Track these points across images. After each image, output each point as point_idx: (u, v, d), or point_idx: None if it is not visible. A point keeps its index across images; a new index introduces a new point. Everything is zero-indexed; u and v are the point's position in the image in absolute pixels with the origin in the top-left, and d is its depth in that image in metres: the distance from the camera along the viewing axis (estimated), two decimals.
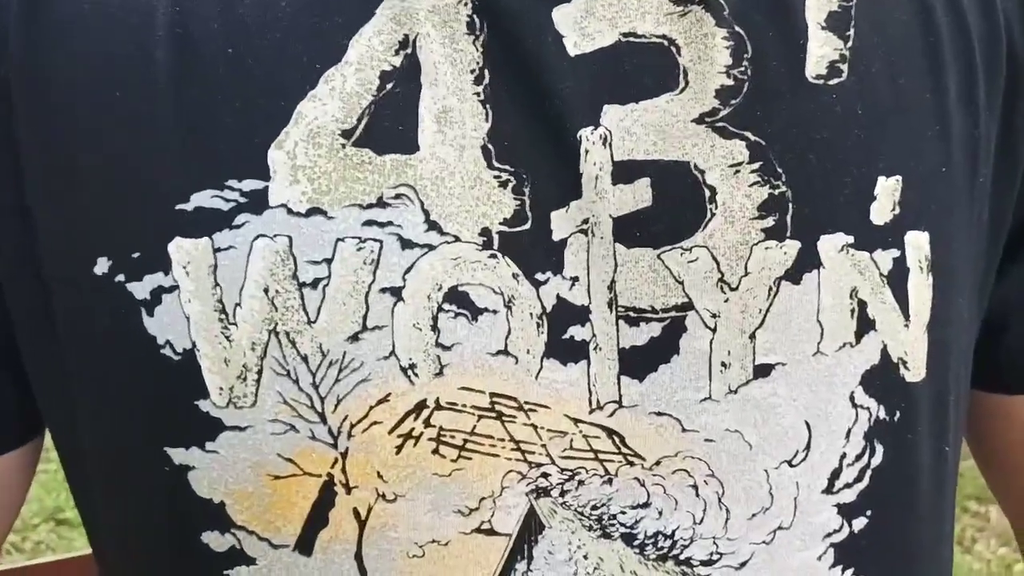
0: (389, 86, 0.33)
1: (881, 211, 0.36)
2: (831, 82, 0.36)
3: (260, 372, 0.32)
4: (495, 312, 0.33)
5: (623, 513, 0.34)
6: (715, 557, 0.35)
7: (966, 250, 0.39)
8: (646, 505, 0.34)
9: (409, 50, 0.33)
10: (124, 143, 0.33)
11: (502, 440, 0.33)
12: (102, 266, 0.33)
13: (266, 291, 0.32)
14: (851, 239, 0.35)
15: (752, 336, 0.35)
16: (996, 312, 0.42)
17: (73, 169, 0.33)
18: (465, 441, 0.33)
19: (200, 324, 0.32)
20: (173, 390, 0.33)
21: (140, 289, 0.33)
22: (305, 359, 0.32)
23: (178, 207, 0.32)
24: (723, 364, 0.34)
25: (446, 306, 0.33)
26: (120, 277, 0.33)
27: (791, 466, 0.35)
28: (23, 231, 0.34)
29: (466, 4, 0.33)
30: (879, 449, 0.37)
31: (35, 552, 1.96)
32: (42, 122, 0.33)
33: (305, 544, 0.33)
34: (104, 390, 0.34)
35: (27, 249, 0.34)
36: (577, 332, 0.33)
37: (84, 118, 0.33)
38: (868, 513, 0.37)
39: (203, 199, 0.32)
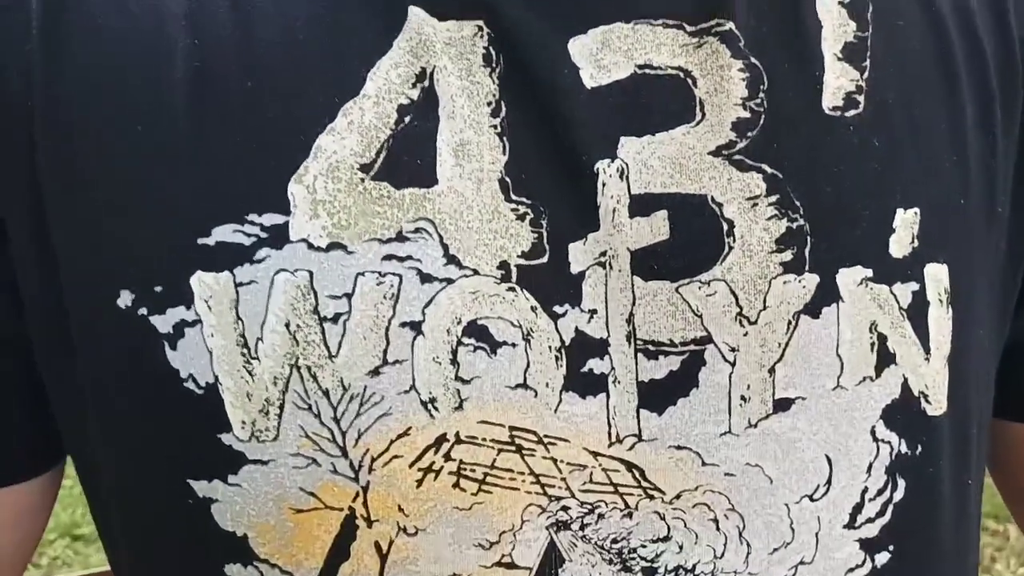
0: (407, 119, 0.33)
1: (900, 244, 0.36)
2: (848, 114, 0.36)
3: (282, 406, 0.33)
4: (514, 345, 0.33)
5: (643, 547, 0.34)
6: None
7: (985, 281, 0.39)
8: (666, 539, 0.34)
9: (426, 83, 0.33)
10: (145, 178, 0.33)
11: (522, 474, 0.33)
12: (125, 299, 0.33)
13: (287, 326, 0.32)
14: (870, 272, 0.35)
15: (771, 370, 0.34)
16: (1016, 341, 0.41)
17: (93, 202, 0.33)
18: (485, 475, 0.33)
19: (222, 358, 0.33)
20: (196, 423, 0.33)
21: (163, 323, 0.33)
22: (326, 393, 0.33)
23: (199, 241, 0.33)
24: (743, 398, 0.34)
25: (465, 340, 0.33)
26: (143, 310, 0.33)
27: (812, 500, 0.35)
28: (45, 263, 0.34)
29: (482, 36, 0.33)
30: (901, 483, 0.36)
31: (51, 568, 1.97)
32: (64, 157, 0.33)
33: None
34: (126, 421, 0.35)
35: (49, 281, 0.34)
36: (596, 365, 0.34)
37: (105, 153, 0.33)
38: (891, 548, 0.37)
39: (224, 233, 0.33)
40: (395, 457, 0.33)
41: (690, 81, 0.35)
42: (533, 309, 0.33)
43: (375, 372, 0.32)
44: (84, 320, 0.34)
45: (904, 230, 0.36)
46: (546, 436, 0.33)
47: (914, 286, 0.36)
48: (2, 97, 0.34)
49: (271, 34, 0.33)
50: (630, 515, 0.34)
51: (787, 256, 0.35)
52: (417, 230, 0.33)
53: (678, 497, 0.34)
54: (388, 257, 0.33)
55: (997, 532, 2.01)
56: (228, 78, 0.33)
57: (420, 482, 0.33)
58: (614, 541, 0.34)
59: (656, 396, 0.34)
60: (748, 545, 0.35)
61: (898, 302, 0.36)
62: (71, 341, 0.34)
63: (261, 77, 0.33)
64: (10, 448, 0.38)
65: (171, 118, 0.33)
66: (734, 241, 0.34)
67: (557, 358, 0.33)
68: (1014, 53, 0.39)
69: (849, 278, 0.35)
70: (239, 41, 0.33)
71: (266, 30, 0.33)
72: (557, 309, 0.33)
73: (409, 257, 0.33)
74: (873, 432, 0.36)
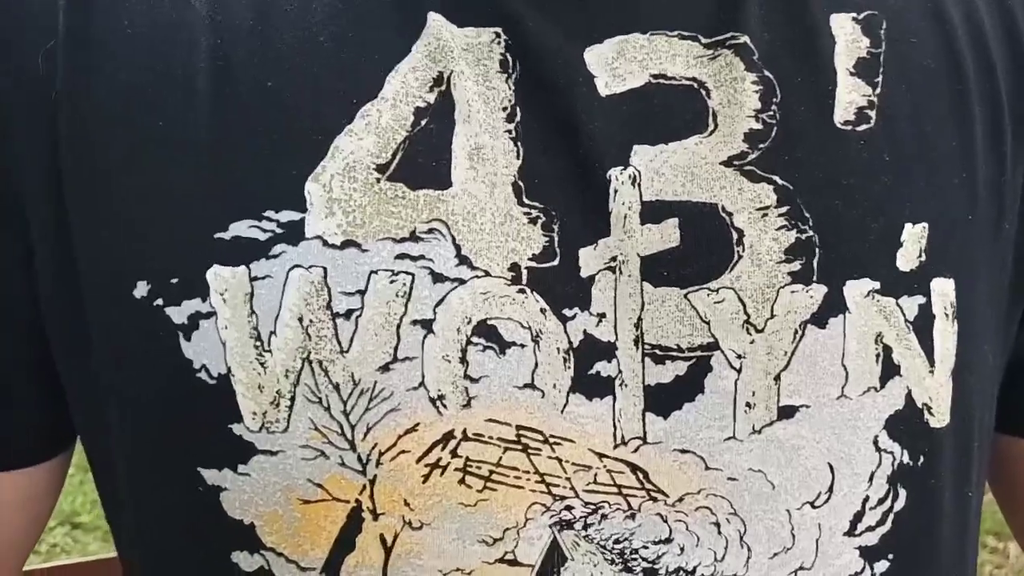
0: (424, 122, 0.34)
1: (907, 257, 0.36)
2: (859, 128, 0.36)
3: (293, 399, 0.33)
4: (523, 346, 0.34)
5: (645, 548, 0.35)
6: None
7: (991, 296, 0.39)
8: (668, 541, 0.35)
9: (443, 87, 0.34)
10: (165, 171, 0.33)
11: (527, 472, 0.34)
12: (141, 289, 0.34)
13: (300, 320, 0.33)
14: (877, 285, 0.36)
15: (777, 378, 0.35)
16: (1020, 356, 0.42)
17: (115, 194, 0.34)
18: (491, 472, 0.34)
19: (235, 350, 0.33)
20: (208, 413, 0.34)
21: (178, 314, 0.33)
22: (337, 387, 0.33)
23: (217, 235, 0.33)
24: (748, 404, 0.35)
25: (475, 339, 0.33)
26: (159, 301, 0.34)
27: (813, 507, 0.35)
28: (63, 251, 0.35)
29: (499, 43, 0.34)
30: (902, 493, 0.37)
31: (50, 555, 1.98)
32: (85, 149, 0.34)
33: (331, 568, 0.34)
34: (139, 409, 0.35)
35: (66, 269, 0.35)
36: (603, 368, 0.34)
37: (126, 147, 0.34)
38: (890, 556, 0.37)
39: (241, 228, 0.33)
40: (402, 452, 0.33)
41: (704, 92, 0.35)
42: (542, 311, 0.34)
43: (385, 368, 0.33)
44: (100, 309, 0.35)
45: (912, 244, 0.36)
46: (552, 436, 0.34)
47: (920, 299, 0.36)
48: (27, 89, 0.34)
49: (292, 36, 0.34)
50: (633, 516, 0.34)
51: (795, 266, 0.35)
52: (430, 231, 0.33)
53: (681, 500, 0.35)
54: (401, 256, 0.33)
55: (997, 550, 2.01)
56: (249, 77, 0.33)
57: (426, 477, 0.33)
58: (616, 541, 0.35)
59: (662, 400, 0.34)
60: (749, 549, 0.35)
61: (904, 315, 0.36)
62: (87, 329, 0.35)
63: (282, 77, 0.33)
64: (21, 432, 0.39)
65: (192, 114, 0.33)
66: (743, 250, 0.35)
67: (565, 360, 0.34)
68: None
69: (856, 290, 0.36)
70: (261, 41, 0.34)
71: (287, 31, 0.34)
72: (566, 312, 0.34)
73: (422, 256, 0.33)
74: (876, 442, 0.36)
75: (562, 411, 0.34)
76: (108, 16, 0.34)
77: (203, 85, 0.33)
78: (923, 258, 0.37)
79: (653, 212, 0.34)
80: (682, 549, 0.35)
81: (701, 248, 0.34)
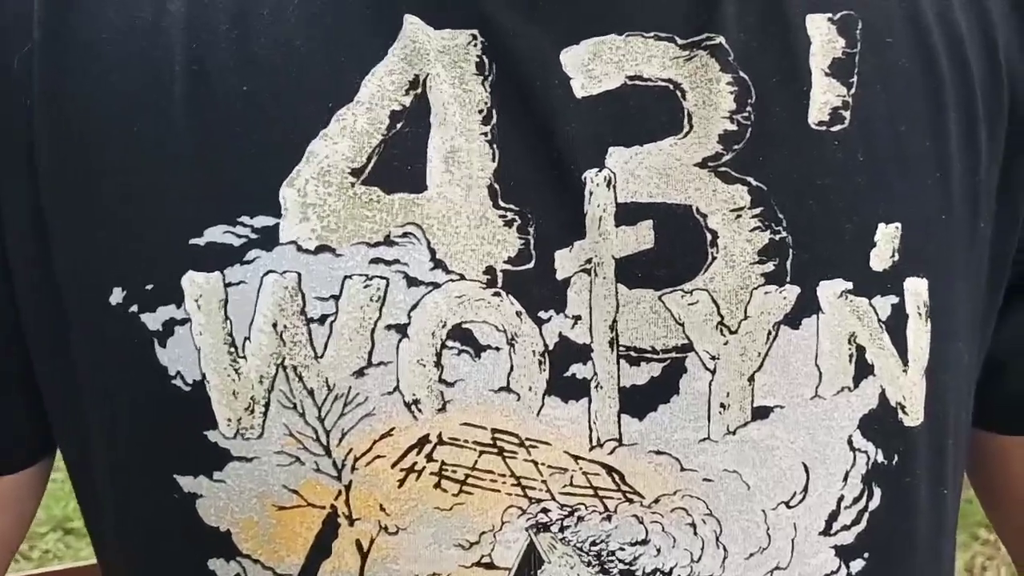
0: (399, 125, 0.34)
1: (880, 257, 0.37)
2: (833, 128, 0.36)
3: (267, 405, 0.33)
4: (498, 349, 0.34)
5: (622, 550, 0.35)
6: None
7: (966, 295, 0.39)
8: (644, 542, 0.35)
9: (419, 90, 0.34)
10: (140, 177, 0.33)
11: (503, 475, 0.34)
12: (117, 296, 0.34)
13: (275, 326, 0.33)
14: (850, 285, 0.36)
15: (751, 379, 0.35)
16: (997, 354, 0.42)
17: (90, 200, 0.34)
18: (466, 476, 0.34)
19: (210, 356, 0.33)
20: (183, 420, 0.34)
21: (153, 320, 0.33)
22: (311, 393, 0.33)
23: (191, 241, 0.33)
24: (722, 405, 0.35)
25: (450, 343, 0.33)
26: (134, 308, 0.33)
27: (789, 507, 0.36)
28: (41, 257, 0.35)
29: (475, 45, 0.34)
30: (877, 492, 0.37)
31: (43, 561, 1.97)
32: (61, 154, 0.34)
33: (308, 574, 0.34)
34: (116, 416, 0.35)
35: (44, 275, 0.35)
36: (579, 370, 0.34)
37: (102, 153, 0.34)
38: (866, 555, 0.37)
39: (216, 234, 0.33)
40: (378, 457, 0.33)
41: (679, 93, 0.35)
42: (518, 314, 0.34)
43: (360, 373, 0.33)
44: (78, 315, 0.35)
45: (885, 244, 0.37)
46: (528, 439, 0.34)
47: (893, 299, 0.36)
48: (2, 92, 0.34)
49: (268, 40, 0.34)
50: (609, 518, 0.35)
51: (769, 267, 0.35)
52: (405, 234, 0.33)
53: (657, 501, 0.35)
54: (375, 260, 0.33)
55: (988, 541, 2.02)
56: (225, 82, 0.33)
57: (402, 482, 0.33)
58: (593, 543, 0.35)
59: (637, 402, 0.34)
60: (725, 550, 0.35)
61: (877, 314, 0.36)
62: (67, 334, 0.35)
63: (257, 82, 0.33)
64: (3, 441, 0.39)
65: (168, 120, 0.33)
66: (717, 251, 0.35)
67: (540, 362, 0.34)
68: (1000, 74, 0.39)
69: (829, 290, 0.36)
70: (237, 46, 0.34)
71: (263, 35, 0.34)
72: (542, 314, 0.34)
73: (396, 261, 0.33)
74: (850, 441, 0.36)
75: (538, 414, 0.34)
76: (85, 21, 0.34)
77: (179, 90, 0.33)
78: (896, 258, 0.37)
79: (628, 214, 0.34)
80: (659, 550, 0.35)
81: (675, 250, 0.35)
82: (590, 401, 0.34)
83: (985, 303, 0.40)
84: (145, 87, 0.33)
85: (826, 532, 0.36)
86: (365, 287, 0.33)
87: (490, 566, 0.34)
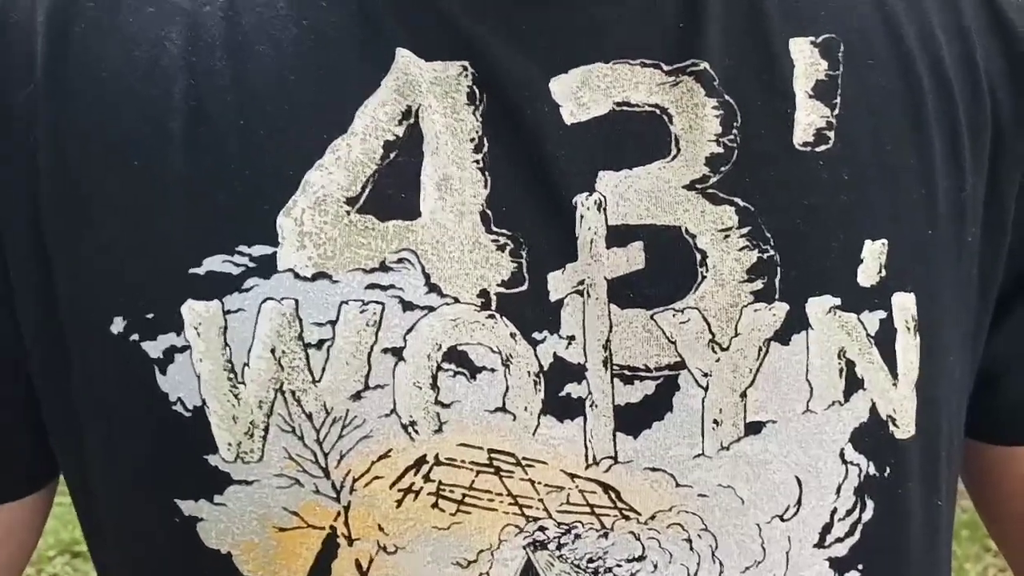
0: (392, 155, 0.34)
1: (868, 273, 0.37)
2: (818, 149, 0.37)
3: (267, 429, 0.34)
4: (493, 371, 0.34)
5: (619, 566, 0.35)
6: None
7: (955, 308, 0.39)
8: (641, 558, 0.35)
9: (412, 120, 0.35)
10: (140, 210, 0.34)
11: (500, 495, 0.34)
12: (118, 325, 0.34)
13: (273, 352, 0.34)
14: (838, 301, 0.36)
15: (743, 395, 0.35)
16: (990, 365, 0.42)
17: (92, 233, 0.35)
18: (464, 496, 0.34)
19: (210, 383, 0.34)
20: (183, 445, 0.34)
21: (154, 348, 0.34)
22: (310, 416, 0.34)
23: (191, 271, 0.34)
24: (715, 421, 0.35)
25: (445, 365, 0.34)
26: (135, 336, 0.34)
27: (783, 521, 0.36)
28: (43, 287, 0.35)
29: (466, 76, 0.35)
30: (870, 504, 0.37)
31: None
32: (64, 188, 0.35)
33: None
34: (117, 441, 0.36)
35: (47, 304, 0.35)
36: (574, 390, 0.35)
37: (103, 187, 0.34)
38: (860, 567, 0.37)
39: (215, 263, 0.34)
40: (376, 478, 0.34)
41: (666, 118, 0.36)
42: (512, 336, 0.34)
43: (357, 396, 0.34)
44: (79, 345, 0.35)
45: (872, 260, 0.37)
46: (524, 458, 0.34)
47: (881, 314, 0.37)
48: (8, 129, 0.35)
49: (264, 74, 0.34)
50: (606, 535, 0.35)
51: (758, 285, 0.36)
52: (400, 260, 0.34)
53: (653, 518, 0.35)
54: (371, 286, 0.34)
55: (1000, 553, 2.00)
56: (222, 116, 0.34)
57: (400, 502, 0.34)
58: (590, 560, 0.35)
59: (632, 420, 0.35)
60: (720, 564, 0.36)
61: (866, 329, 0.37)
62: (68, 363, 0.36)
63: (253, 115, 0.34)
64: (7, 468, 0.39)
65: (167, 154, 0.34)
66: (707, 271, 0.35)
67: (535, 383, 0.34)
68: (981, 91, 0.40)
69: (818, 306, 0.36)
70: (234, 81, 0.34)
71: (259, 70, 0.35)
72: (536, 335, 0.34)
73: (392, 286, 0.34)
74: (842, 454, 0.37)
75: (533, 433, 0.34)
76: (85, 58, 0.35)
77: (178, 125, 0.34)
78: (883, 273, 0.37)
79: (619, 236, 0.35)
80: (655, 566, 0.35)
81: (666, 270, 0.35)
82: (585, 420, 0.35)
83: (976, 314, 0.41)
84: (144, 123, 0.34)
85: (820, 544, 0.37)
86: (361, 312, 0.34)
87: None
